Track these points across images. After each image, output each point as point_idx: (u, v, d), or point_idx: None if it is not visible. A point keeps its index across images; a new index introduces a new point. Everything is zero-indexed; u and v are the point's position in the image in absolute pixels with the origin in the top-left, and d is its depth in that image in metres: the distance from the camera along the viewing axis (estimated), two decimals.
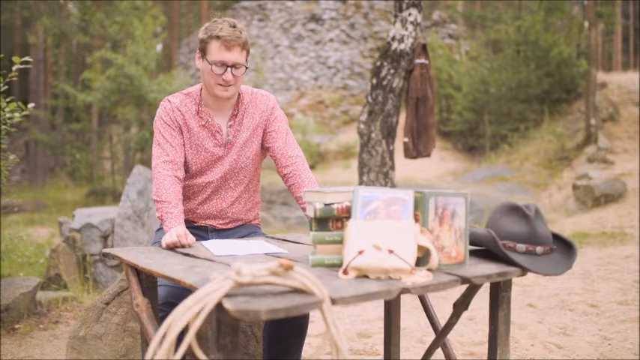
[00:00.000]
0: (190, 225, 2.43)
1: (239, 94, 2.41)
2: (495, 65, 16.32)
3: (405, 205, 1.65)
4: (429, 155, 6.06)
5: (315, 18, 20.51)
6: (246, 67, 2.31)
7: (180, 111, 2.38)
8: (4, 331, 3.71)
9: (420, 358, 2.34)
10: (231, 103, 2.40)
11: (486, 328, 3.49)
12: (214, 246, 2.05)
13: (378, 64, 5.83)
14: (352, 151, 15.56)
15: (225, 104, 2.38)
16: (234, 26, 2.26)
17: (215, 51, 2.25)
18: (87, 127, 19.69)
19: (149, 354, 1.32)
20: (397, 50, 5.71)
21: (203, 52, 2.30)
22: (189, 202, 2.45)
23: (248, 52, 2.32)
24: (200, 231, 2.45)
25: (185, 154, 2.38)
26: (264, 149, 2.49)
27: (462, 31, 20.81)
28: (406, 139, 5.93)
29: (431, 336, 3.49)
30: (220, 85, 2.28)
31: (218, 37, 2.23)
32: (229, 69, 2.25)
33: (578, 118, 14.75)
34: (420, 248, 1.61)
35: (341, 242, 1.70)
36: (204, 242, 2.15)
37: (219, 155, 2.40)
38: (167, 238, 2.06)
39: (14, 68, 3.72)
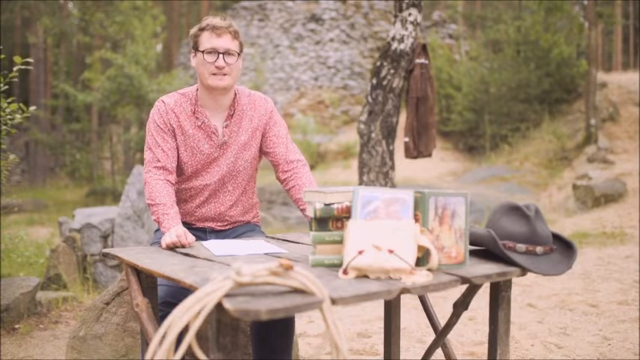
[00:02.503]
0: (189, 227, 2.41)
1: (235, 94, 2.39)
2: (495, 65, 16.32)
3: (405, 205, 1.66)
4: (429, 155, 6.05)
5: (315, 18, 20.51)
6: (239, 53, 2.31)
7: (174, 112, 2.35)
8: (4, 331, 3.71)
9: (420, 358, 2.34)
10: (228, 103, 2.37)
11: (486, 328, 3.49)
12: (214, 246, 2.05)
13: (378, 64, 5.83)
14: (352, 151, 15.55)
15: (222, 102, 2.36)
16: (224, 19, 2.30)
17: (205, 40, 2.27)
18: (87, 127, 19.71)
19: (149, 354, 1.32)
20: (397, 50, 5.71)
21: (195, 46, 2.32)
22: (187, 205, 2.44)
23: (241, 46, 2.33)
24: (199, 232, 2.44)
25: (179, 155, 2.37)
26: (263, 153, 2.48)
27: (462, 31, 20.81)
28: (407, 139, 5.93)
29: (431, 336, 3.49)
30: (214, 74, 2.27)
31: (207, 27, 2.27)
32: (221, 55, 2.26)
33: (578, 118, 14.75)
34: (420, 248, 1.61)
35: (341, 242, 1.70)
36: (204, 242, 2.14)
37: (215, 156, 2.37)
38: (167, 239, 2.06)
39: (15, 69, 3.72)
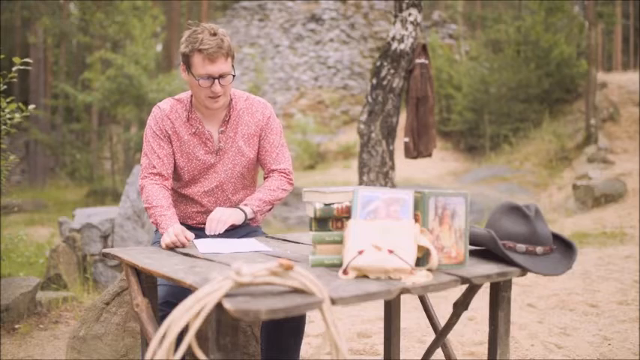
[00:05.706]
0: (190, 227, 2.41)
1: (231, 99, 2.37)
2: (495, 65, 16.30)
3: (405, 205, 1.65)
4: (429, 155, 6.06)
5: (315, 18, 20.51)
6: (234, 75, 2.26)
7: (169, 119, 2.35)
8: (4, 331, 3.71)
9: (420, 358, 2.34)
10: (223, 109, 2.37)
11: (486, 328, 3.49)
12: (202, 244, 2.06)
13: (378, 64, 5.83)
14: (352, 151, 15.54)
15: (217, 110, 2.36)
16: (214, 34, 2.19)
17: (199, 65, 2.19)
18: (87, 127, 19.69)
19: (149, 354, 1.32)
20: (397, 50, 5.71)
21: (187, 65, 2.25)
22: (188, 209, 2.45)
23: (233, 58, 2.26)
24: (200, 232, 2.44)
25: (176, 161, 2.37)
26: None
27: (462, 31, 20.81)
28: (407, 139, 5.93)
29: (431, 336, 3.49)
30: (210, 97, 2.25)
31: (200, 51, 2.17)
32: (217, 80, 2.21)
33: (578, 118, 14.74)
34: (420, 248, 1.61)
35: (341, 242, 1.70)
36: (193, 240, 2.14)
37: (211, 163, 2.37)
38: (166, 239, 2.06)
39: (14, 69, 3.72)
